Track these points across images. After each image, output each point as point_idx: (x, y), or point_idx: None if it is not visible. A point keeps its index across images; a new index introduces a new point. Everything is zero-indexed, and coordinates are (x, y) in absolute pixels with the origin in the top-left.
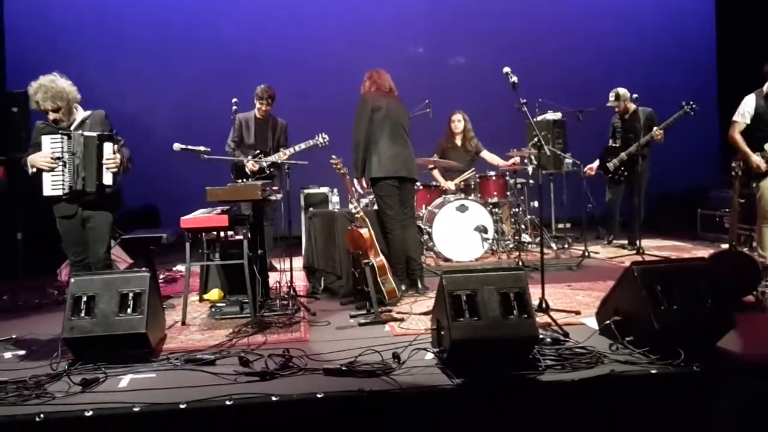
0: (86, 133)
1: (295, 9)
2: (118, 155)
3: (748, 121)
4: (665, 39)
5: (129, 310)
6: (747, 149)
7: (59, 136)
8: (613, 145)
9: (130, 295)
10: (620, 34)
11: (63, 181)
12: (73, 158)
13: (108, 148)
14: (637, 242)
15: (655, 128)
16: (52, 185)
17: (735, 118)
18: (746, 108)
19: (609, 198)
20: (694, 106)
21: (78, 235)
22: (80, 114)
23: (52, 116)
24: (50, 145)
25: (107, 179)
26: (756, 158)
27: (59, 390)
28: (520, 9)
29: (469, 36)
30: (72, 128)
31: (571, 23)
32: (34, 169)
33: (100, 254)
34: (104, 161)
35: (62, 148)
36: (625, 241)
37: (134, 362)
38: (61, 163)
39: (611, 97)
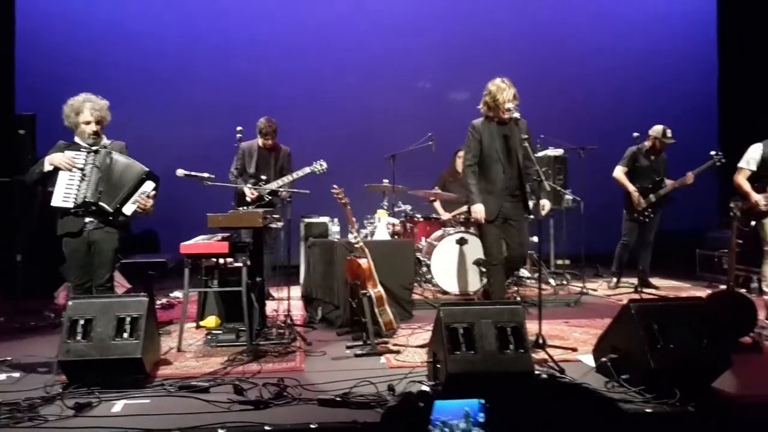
0: (130, 159)
1: (302, 41)
2: (152, 200)
3: (754, 168)
4: (666, 81)
5: (125, 335)
6: (749, 190)
7: (83, 152)
8: (645, 185)
9: (127, 319)
10: (622, 75)
11: (77, 193)
12: (97, 171)
13: (149, 186)
14: (649, 279)
15: (689, 173)
16: (63, 196)
17: (740, 164)
18: (752, 155)
19: (630, 239)
20: (722, 158)
21: (82, 257)
22: (104, 139)
23: (93, 128)
24: (74, 155)
25: (128, 210)
26: (757, 195)
27: (52, 413)
28: (524, 46)
29: (473, 72)
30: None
31: (574, 62)
32: (51, 167)
33: (103, 279)
34: (138, 195)
35: (86, 160)
36: (634, 280)
37: (128, 387)
38: (79, 174)
39: (669, 133)
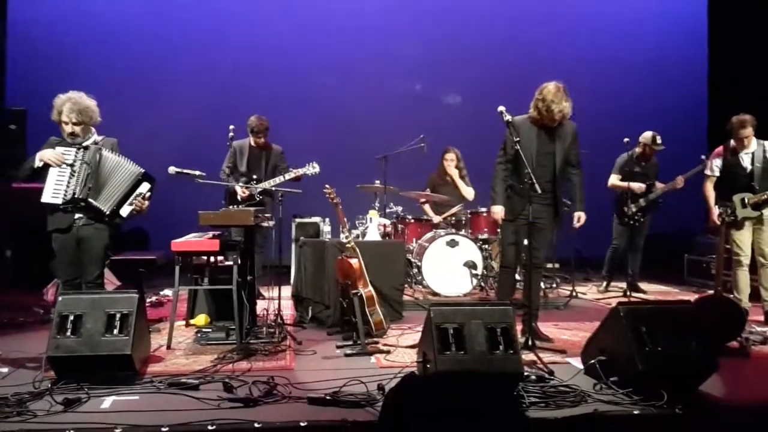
0: (123, 158)
1: (294, 41)
2: (147, 202)
3: (717, 174)
4: (657, 86)
5: (115, 331)
6: (711, 203)
7: (74, 148)
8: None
9: (117, 315)
10: (613, 80)
11: (65, 189)
12: (87, 167)
13: (144, 187)
14: (638, 283)
15: (679, 177)
16: (53, 192)
17: (706, 171)
18: (714, 161)
19: (620, 243)
20: None
21: (72, 253)
22: (93, 137)
23: (70, 129)
24: (63, 151)
25: (125, 212)
26: (713, 213)
27: (41, 408)
28: (515, 51)
29: (465, 74)
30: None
31: (565, 67)
32: (41, 163)
33: (93, 276)
34: (134, 197)
35: (75, 157)
36: (623, 284)
37: (117, 384)
38: (69, 170)
39: (659, 140)
